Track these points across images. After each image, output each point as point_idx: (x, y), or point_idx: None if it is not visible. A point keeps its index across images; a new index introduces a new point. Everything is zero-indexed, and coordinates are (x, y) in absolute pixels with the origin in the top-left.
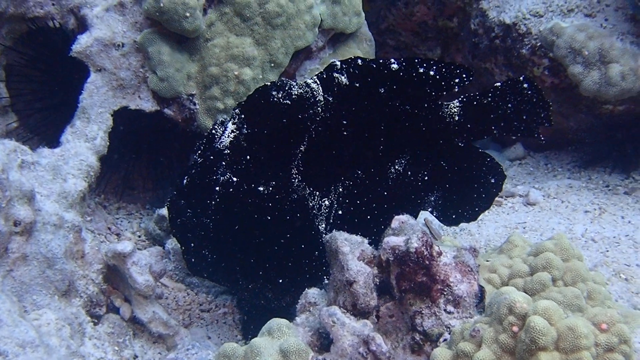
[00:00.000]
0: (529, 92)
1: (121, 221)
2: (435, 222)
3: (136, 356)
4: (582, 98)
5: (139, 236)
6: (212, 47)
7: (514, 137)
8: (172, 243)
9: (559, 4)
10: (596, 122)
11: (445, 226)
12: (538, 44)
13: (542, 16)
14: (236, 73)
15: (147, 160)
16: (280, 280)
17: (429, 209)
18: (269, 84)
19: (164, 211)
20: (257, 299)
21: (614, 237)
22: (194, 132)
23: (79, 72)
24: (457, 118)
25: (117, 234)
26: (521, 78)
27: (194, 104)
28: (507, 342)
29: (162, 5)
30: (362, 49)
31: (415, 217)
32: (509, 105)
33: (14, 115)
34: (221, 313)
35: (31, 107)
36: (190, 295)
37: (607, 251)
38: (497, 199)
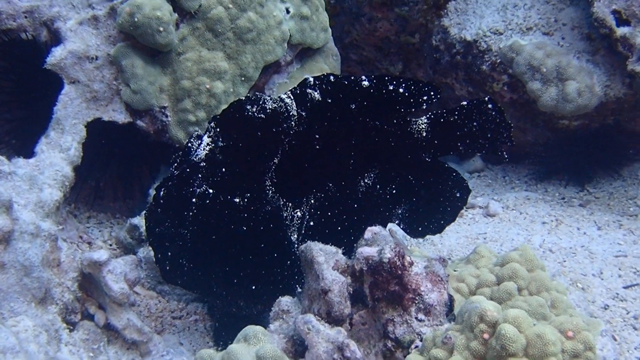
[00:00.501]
0: (493, 113)
1: (92, 230)
2: (400, 233)
3: None
4: (539, 113)
5: (110, 245)
6: (185, 60)
7: (478, 154)
8: (144, 252)
9: (518, 22)
10: (552, 137)
11: (409, 237)
12: (498, 61)
13: (501, 34)
14: (208, 86)
15: (117, 170)
16: (253, 288)
17: (396, 222)
18: (243, 98)
19: (136, 221)
20: (229, 307)
21: (571, 247)
22: (165, 144)
23: (50, 84)
24: (424, 134)
25: (89, 243)
26: (486, 99)
27: (166, 116)
28: (478, 349)
29: (136, 20)
30: (329, 63)
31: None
32: (474, 123)
33: None
34: (192, 320)
35: (1, 117)
36: (162, 303)
37: (565, 261)
38: None
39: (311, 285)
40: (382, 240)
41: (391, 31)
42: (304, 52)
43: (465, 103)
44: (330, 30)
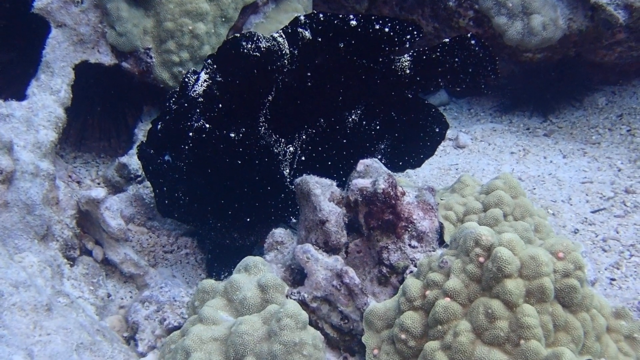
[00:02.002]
0: (476, 48)
1: (79, 169)
2: (383, 169)
3: (109, 294)
4: (504, 47)
5: (98, 183)
6: (167, 2)
7: (458, 89)
8: (133, 189)
9: None
10: (517, 69)
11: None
12: None
13: None
14: (190, 27)
15: (103, 111)
16: (247, 220)
17: (379, 156)
18: (238, 35)
19: (124, 159)
20: (223, 239)
21: (539, 175)
22: (150, 84)
23: (37, 29)
24: (407, 71)
25: (78, 182)
26: (469, 35)
27: (150, 58)
28: (474, 272)
29: None
30: (302, 3)
31: None
32: (456, 59)
33: None
34: (183, 254)
35: None
36: (152, 238)
37: (534, 189)
38: None
39: (308, 216)
40: (374, 172)
41: None
42: None
43: (447, 40)
44: None
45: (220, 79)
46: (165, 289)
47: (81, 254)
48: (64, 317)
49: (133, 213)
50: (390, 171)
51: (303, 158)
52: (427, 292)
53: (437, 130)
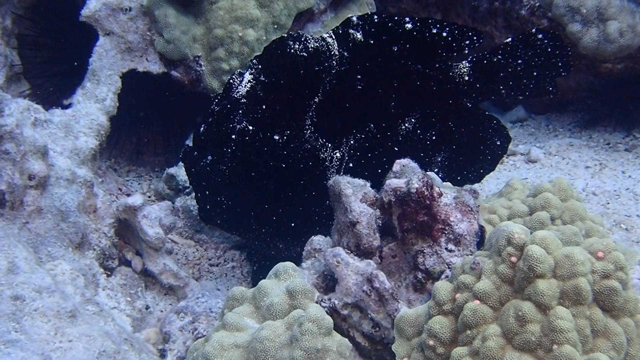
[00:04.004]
0: (545, 41)
1: (131, 183)
2: (438, 181)
3: (148, 306)
4: (581, 57)
5: (149, 196)
6: (217, 9)
7: (521, 98)
8: (181, 201)
9: None
10: (596, 81)
11: None
12: (537, 4)
13: None
14: (240, 34)
15: (156, 124)
16: (292, 228)
17: (435, 170)
18: (285, 35)
19: (173, 170)
20: (267, 249)
21: (615, 190)
22: (200, 94)
23: (88, 38)
24: (466, 78)
25: (128, 195)
26: (534, 30)
27: (200, 66)
28: (506, 272)
29: None
30: (363, 12)
31: None
32: (519, 61)
33: (27, 83)
34: (230, 267)
35: (43, 74)
36: (199, 251)
37: (608, 203)
38: None
39: (340, 218)
40: (410, 172)
41: None
42: (338, 1)
43: (509, 40)
44: None
45: (264, 79)
46: (201, 299)
47: (120, 264)
48: (89, 325)
49: (174, 222)
50: (443, 184)
51: (351, 165)
52: (457, 296)
53: (498, 143)
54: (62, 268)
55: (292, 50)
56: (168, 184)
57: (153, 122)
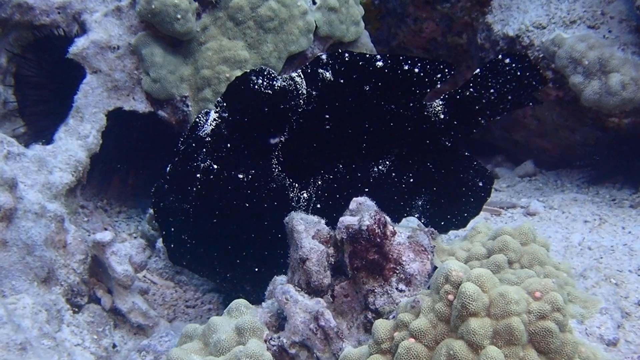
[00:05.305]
0: (514, 65)
1: (120, 224)
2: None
3: (115, 345)
4: (587, 111)
5: (135, 237)
6: (206, 50)
7: (498, 118)
8: (160, 242)
9: (562, 16)
10: (603, 136)
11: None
12: (540, 56)
13: (544, 28)
14: (227, 75)
15: (146, 165)
16: (257, 270)
17: (416, 215)
18: (249, 71)
19: None
20: (235, 291)
21: (611, 246)
22: None
23: (81, 76)
24: (442, 116)
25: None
26: (499, 56)
27: (187, 106)
28: (443, 311)
29: (153, 7)
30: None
31: (399, 221)
32: (492, 90)
33: (22, 121)
34: (206, 309)
35: (38, 111)
36: (178, 292)
37: (601, 257)
38: (496, 209)
39: (292, 255)
40: (365, 210)
41: (437, 32)
42: (335, 47)
43: (477, 71)
44: (362, 24)
45: (228, 116)
46: (165, 338)
47: (90, 301)
48: (39, 358)
49: (144, 261)
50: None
51: (319, 206)
52: (395, 334)
53: (480, 184)
54: (24, 302)
55: (256, 87)
56: (151, 225)
57: (145, 162)
